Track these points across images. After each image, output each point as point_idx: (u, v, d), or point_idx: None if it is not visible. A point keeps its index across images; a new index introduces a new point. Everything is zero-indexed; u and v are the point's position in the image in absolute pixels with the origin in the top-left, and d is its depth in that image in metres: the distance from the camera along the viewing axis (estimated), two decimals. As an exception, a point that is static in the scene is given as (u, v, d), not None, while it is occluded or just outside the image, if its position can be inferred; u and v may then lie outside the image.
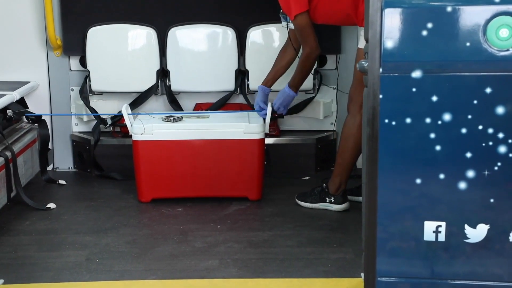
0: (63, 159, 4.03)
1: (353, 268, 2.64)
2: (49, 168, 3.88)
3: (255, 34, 3.87)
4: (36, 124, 3.72)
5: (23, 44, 3.89)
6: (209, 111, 3.77)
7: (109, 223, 3.17)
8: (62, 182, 3.76)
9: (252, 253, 2.82)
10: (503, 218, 1.94)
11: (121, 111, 3.43)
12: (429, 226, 1.97)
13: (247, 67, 3.88)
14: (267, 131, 3.45)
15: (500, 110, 1.90)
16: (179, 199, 3.43)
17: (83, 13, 3.88)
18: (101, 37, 3.86)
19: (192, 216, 3.27)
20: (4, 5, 3.84)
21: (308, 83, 3.86)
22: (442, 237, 1.96)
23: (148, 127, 3.37)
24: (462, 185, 1.94)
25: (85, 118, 3.98)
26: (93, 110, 3.87)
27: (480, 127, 1.91)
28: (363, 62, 2.03)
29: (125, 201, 3.48)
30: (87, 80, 3.90)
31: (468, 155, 1.92)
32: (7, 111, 3.47)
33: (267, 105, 3.47)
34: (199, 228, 3.10)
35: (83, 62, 3.93)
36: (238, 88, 3.92)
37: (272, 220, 3.21)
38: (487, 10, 1.88)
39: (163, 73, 3.92)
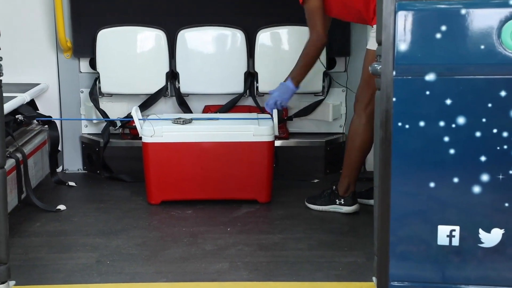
0: (72, 161, 4.04)
1: (364, 272, 2.62)
2: (59, 169, 3.89)
3: (264, 37, 3.87)
4: (46, 126, 3.73)
5: (33, 46, 3.90)
6: (218, 114, 3.77)
7: (119, 225, 3.17)
8: (71, 183, 3.76)
9: (263, 256, 2.81)
10: (518, 222, 1.93)
11: (130, 113, 3.43)
12: (443, 230, 1.96)
13: (256, 69, 3.88)
14: (276, 133, 3.45)
15: (515, 113, 1.89)
16: (188, 201, 3.42)
17: (93, 16, 3.88)
18: (110, 39, 3.87)
19: (202, 218, 3.27)
20: (15, 8, 3.85)
21: (317, 85, 3.86)
22: (456, 242, 1.96)
23: (158, 129, 3.37)
24: (476, 189, 1.93)
25: (94, 120, 3.99)
26: (102, 112, 3.88)
27: (495, 130, 1.90)
28: (375, 65, 2.03)
29: (134, 203, 3.48)
30: (97, 82, 3.90)
31: (483, 158, 1.92)
32: (17, 115, 3.48)
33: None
34: (209, 231, 3.10)
35: (92, 64, 3.94)
36: (247, 91, 3.92)
37: (282, 222, 3.20)
38: (501, 13, 1.87)
39: (172, 75, 3.92)
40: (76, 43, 3.91)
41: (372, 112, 2.91)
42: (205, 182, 3.41)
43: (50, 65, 3.93)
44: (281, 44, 3.87)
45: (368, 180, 3.57)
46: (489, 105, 1.89)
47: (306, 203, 3.37)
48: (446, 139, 1.92)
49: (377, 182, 2.07)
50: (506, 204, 1.92)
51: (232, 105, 3.92)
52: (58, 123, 3.84)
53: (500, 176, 1.91)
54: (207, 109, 3.96)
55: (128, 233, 3.07)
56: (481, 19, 1.88)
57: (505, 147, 1.90)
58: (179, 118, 3.48)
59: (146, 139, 3.38)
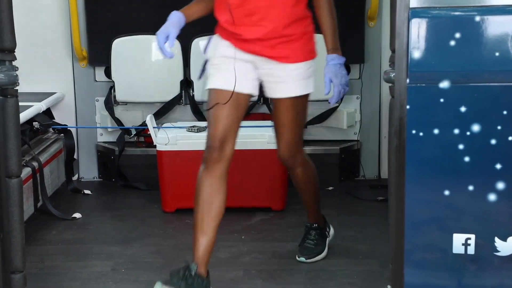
0: (88, 169, 4.06)
1: (378, 280, 2.61)
2: (74, 178, 3.92)
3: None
4: (62, 135, 3.76)
5: (49, 55, 3.94)
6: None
7: (134, 233, 3.19)
8: (87, 192, 3.79)
9: (277, 264, 2.81)
10: (534, 230, 1.91)
11: (145, 121, 3.45)
12: (458, 239, 1.94)
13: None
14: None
15: (530, 121, 1.87)
16: (203, 209, 3.42)
17: (108, 25, 3.92)
18: (125, 48, 3.90)
19: (216, 226, 3.27)
20: (31, 17, 3.90)
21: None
22: (471, 250, 1.93)
23: (172, 137, 3.38)
24: (492, 197, 1.91)
25: (109, 128, 4.02)
26: (117, 120, 3.91)
27: (510, 138, 1.88)
28: (389, 72, 2.02)
29: (149, 211, 3.50)
30: (112, 90, 3.93)
31: (498, 166, 1.90)
32: (34, 123, 3.52)
33: None
34: (223, 239, 3.09)
35: (108, 73, 3.97)
36: (261, 98, 3.93)
37: (296, 230, 3.19)
38: (516, 20, 1.86)
39: (186, 84, 3.94)
40: (92, 52, 3.95)
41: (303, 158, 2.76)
42: (220, 190, 3.40)
43: (66, 74, 3.97)
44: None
45: (383, 187, 3.55)
46: (504, 112, 1.88)
47: (307, 261, 2.84)
48: (461, 146, 1.91)
49: (391, 189, 2.06)
50: (522, 213, 1.91)
51: (246, 113, 3.91)
52: (73, 131, 3.87)
53: (516, 184, 1.90)
54: (221, 117, 3.96)
55: (143, 241, 3.09)
56: (496, 26, 1.87)
57: (521, 154, 1.88)
58: (193, 126, 3.49)
59: (160, 147, 3.40)
